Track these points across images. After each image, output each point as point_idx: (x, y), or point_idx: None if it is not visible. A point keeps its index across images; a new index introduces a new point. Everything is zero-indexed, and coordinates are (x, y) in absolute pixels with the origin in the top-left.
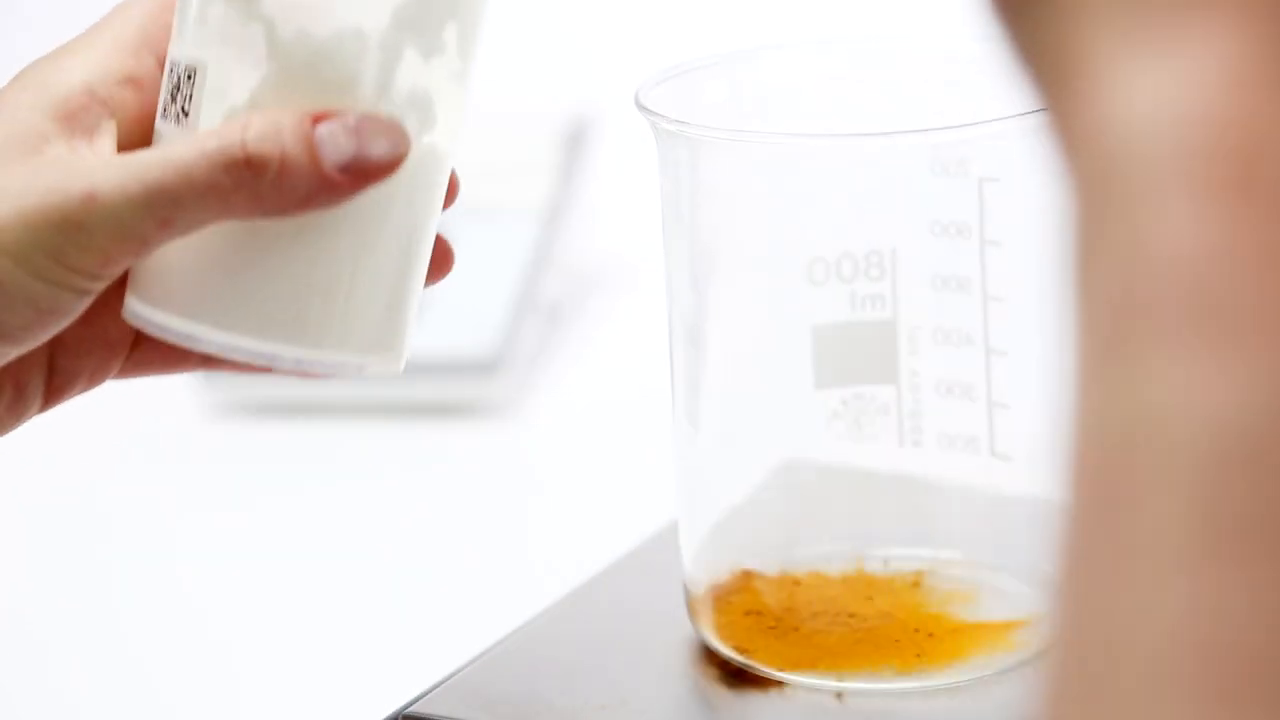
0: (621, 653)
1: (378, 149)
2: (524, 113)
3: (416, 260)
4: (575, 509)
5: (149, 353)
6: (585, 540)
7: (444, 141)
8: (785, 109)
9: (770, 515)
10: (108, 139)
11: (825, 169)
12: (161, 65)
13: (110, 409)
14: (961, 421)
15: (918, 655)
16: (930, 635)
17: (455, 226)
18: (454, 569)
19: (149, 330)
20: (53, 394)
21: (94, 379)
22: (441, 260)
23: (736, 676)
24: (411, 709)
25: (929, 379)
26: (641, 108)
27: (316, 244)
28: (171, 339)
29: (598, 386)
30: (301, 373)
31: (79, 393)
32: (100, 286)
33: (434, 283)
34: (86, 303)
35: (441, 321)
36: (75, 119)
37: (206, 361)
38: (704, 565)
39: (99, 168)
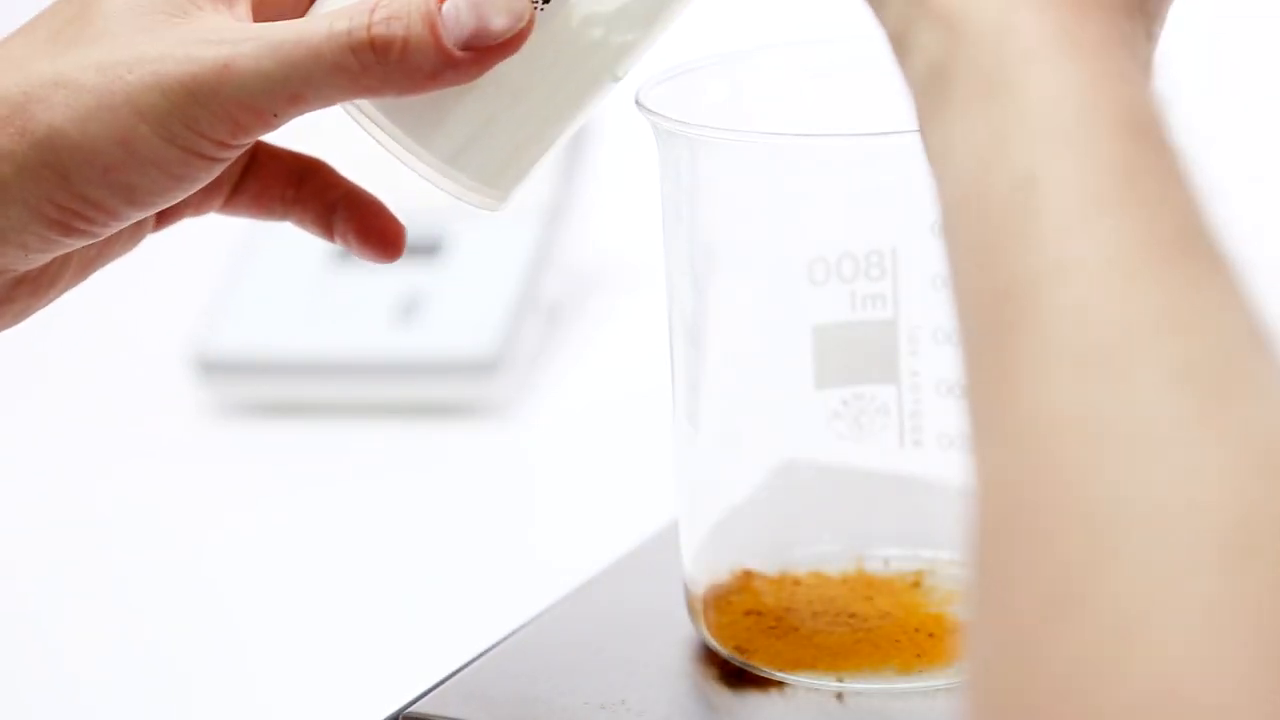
0: (621, 653)
1: (498, 23)
2: None
3: (550, 126)
4: (575, 509)
5: (249, 186)
6: (585, 540)
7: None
8: (785, 109)
9: (770, 515)
10: (244, 7)
11: (825, 169)
12: None
13: (110, 409)
14: (961, 421)
15: (918, 655)
16: (930, 635)
17: (455, 227)
18: (454, 569)
19: None
20: (164, 218)
21: (200, 207)
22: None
23: (736, 676)
24: (411, 709)
25: (929, 379)
26: (641, 107)
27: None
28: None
29: (598, 386)
30: (422, 176)
31: (187, 216)
32: (229, 156)
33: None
34: (215, 171)
35: (441, 321)
36: None
37: (297, 202)
38: (704, 565)
39: (238, 41)
